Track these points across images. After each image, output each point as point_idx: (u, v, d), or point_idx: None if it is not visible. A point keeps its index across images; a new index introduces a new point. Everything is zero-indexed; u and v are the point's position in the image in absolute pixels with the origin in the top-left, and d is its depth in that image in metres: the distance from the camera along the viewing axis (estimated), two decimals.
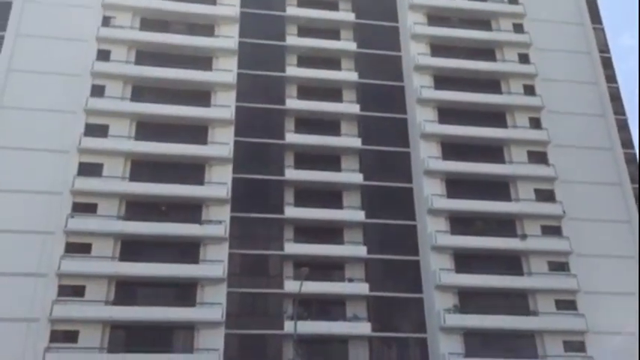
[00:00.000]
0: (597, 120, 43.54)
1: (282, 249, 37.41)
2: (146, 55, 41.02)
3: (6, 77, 38.33)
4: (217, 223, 36.77)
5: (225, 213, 37.22)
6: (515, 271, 38.50)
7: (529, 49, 45.05)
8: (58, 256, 34.19)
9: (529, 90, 43.71)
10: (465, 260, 38.16)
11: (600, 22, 47.50)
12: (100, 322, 33.53)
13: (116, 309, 33.88)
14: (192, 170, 38.29)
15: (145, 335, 34.35)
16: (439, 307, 36.47)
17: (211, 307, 34.79)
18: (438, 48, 44.40)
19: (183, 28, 42.66)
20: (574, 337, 36.61)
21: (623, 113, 44.09)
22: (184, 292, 35.76)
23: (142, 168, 38.08)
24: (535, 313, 37.22)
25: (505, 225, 39.55)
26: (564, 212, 39.47)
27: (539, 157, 41.54)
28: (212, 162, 38.53)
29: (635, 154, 42.78)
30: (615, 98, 44.35)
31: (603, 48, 46.42)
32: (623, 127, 43.41)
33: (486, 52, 45.17)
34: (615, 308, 37.01)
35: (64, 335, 32.97)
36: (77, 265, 34.24)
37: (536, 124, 42.60)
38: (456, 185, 40.15)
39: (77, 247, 34.87)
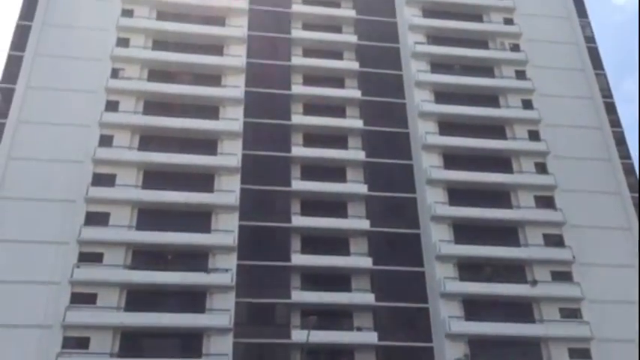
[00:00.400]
0: (603, 164, 43.51)
1: (289, 297, 37.02)
2: (154, 105, 41.60)
3: (16, 128, 38.82)
4: (224, 271, 36.53)
5: (231, 261, 37.01)
6: (527, 317, 37.88)
7: (532, 94, 45.47)
8: (64, 307, 33.92)
9: (534, 135, 43.93)
10: (474, 307, 37.62)
11: (602, 68, 48.04)
12: None
13: None
14: (199, 218, 38.26)
15: None
16: (450, 357, 35.78)
17: (218, 358, 34.20)
18: (442, 94, 44.87)
19: (190, 79, 43.32)
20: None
21: (629, 157, 44.11)
22: (190, 342, 35.21)
23: (149, 216, 38.08)
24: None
25: (514, 270, 39.16)
26: (574, 257, 39.07)
27: (546, 201, 41.39)
28: (218, 210, 38.54)
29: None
30: (620, 142, 44.48)
31: (606, 93, 46.81)
32: (629, 171, 43.35)
33: (490, 98, 45.63)
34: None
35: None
36: (82, 315, 33.92)
37: (542, 168, 42.62)
38: (464, 230, 39.87)
39: (83, 297, 34.59)
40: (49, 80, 40.78)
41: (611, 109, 46.06)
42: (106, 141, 39.41)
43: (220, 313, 35.35)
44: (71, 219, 36.34)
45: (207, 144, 40.93)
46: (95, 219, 36.83)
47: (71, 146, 38.59)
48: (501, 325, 36.61)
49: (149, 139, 40.46)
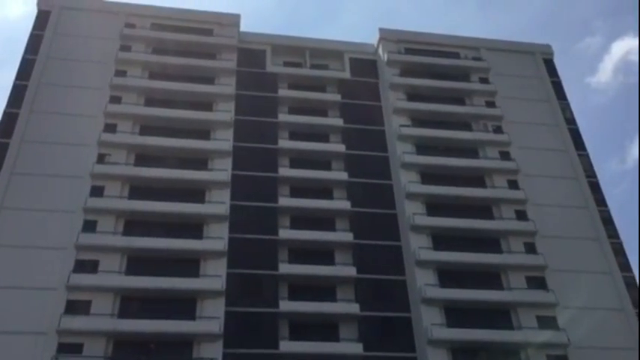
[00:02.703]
0: (591, 243, 43.45)
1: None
2: (139, 190, 41.30)
3: None
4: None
5: (217, 350, 35.68)
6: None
7: (517, 175, 45.91)
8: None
9: (521, 215, 44.00)
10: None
11: (584, 149, 48.87)
12: None
13: None
14: (184, 305, 37.19)
15: None
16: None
17: None
18: (428, 175, 45.15)
19: (176, 163, 43.28)
20: None
21: (617, 237, 44.13)
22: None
23: (132, 303, 36.98)
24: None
25: (508, 355, 38.07)
26: (569, 340, 38.22)
27: (537, 282, 40.95)
28: (204, 295, 37.53)
29: (633, 276, 42.32)
30: (607, 222, 44.63)
31: (589, 173, 47.43)
32: (618, 250, 43.27)
33: (475, 179, 45.99)
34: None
35: None
36: None
37: (531, 248, 42.43)
38: (456, 313, 39.06)
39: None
40: (34, 166, 40.51)
41: (595, 188, 46.51)
42: (90, 226, 38.72)
43: None
44: (51, 308, 35.10)
45: (193, 228, 40.43)
46: (77, 307, 35.64)
47: (55, 231, 37.82)
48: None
49: (134, 224, 39.89)
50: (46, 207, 38.79)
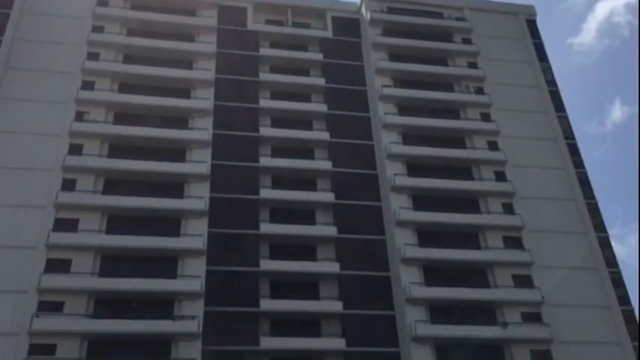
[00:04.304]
0: (568, 204, 44.12)
1: (257, 344, 36.10)
2: (119, 148, 40.91)
3: None
4: (190, 318, 35.49)
5: (198, 308, 36.02)
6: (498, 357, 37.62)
7: (497, 136, 46.19)
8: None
9: (500, 177, 44.42)
10: (445, 352, 37.17)
11: (564, 111, 49.20)
12: None
13: None
14: (165, 264, 37.33)
15: None
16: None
17: None
18: (410, 136, 45.24)
19: (157, 121, 42.84)
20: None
21: (593, 197, 44.86)
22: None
23: (113, 262, 36.99)
24: (504, 325, 37.45)
25: (484, 312, 38.96)
26: (543, 298, 39.16)
27: (514, 242, 41.62)
28: (185, 254, 37.69)
29: (607, 236, 43.19)
30: (584, 183, 45.26)
31: (568, 135, 47.84)
32: (594, 211, 44.03)
33: (456, 140, 46.18)
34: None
35: None
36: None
37: (509, 209, 42.99)
38: (434, 272, 39.72)
39: (42, 348, 33.09)
40: (10, 124, 39.68)
41: (574, 150, 47.02)
42: (69, 185, 38.40)
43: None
44: (31, 266, 35.03)
45: (174, 187, 40.29)
46: (56, 265, 35.58)
47: (32, 190, 37.47)
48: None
49: (113, 183, 39.64)
50: (23, 165, 38.27)
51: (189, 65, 45.83)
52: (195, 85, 44.80)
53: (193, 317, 35.49)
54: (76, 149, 39.87)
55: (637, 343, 38.84)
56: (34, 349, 33.06)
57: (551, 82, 50.84)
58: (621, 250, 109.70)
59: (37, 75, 42.16)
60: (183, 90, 44.60)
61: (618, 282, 41.06)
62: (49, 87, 41.80)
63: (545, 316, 38.93)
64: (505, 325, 38.04)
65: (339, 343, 37.10)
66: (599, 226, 43.32)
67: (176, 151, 41.70)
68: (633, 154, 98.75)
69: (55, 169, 38.66)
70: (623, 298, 40.44)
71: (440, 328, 37.53)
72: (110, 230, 37.75)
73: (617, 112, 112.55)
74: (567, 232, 42.69)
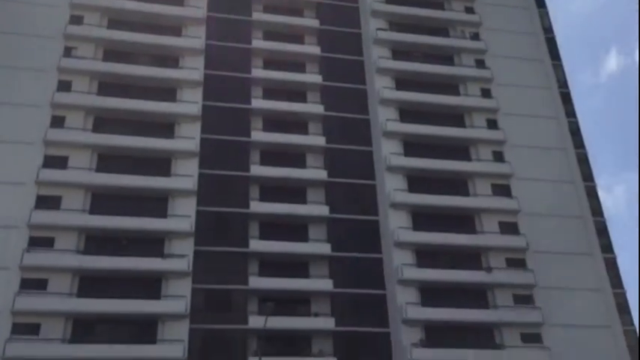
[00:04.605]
0: (558, 153, 44.32)
1: (246, 283, 36.70)
2: (108, 87, 40.39)
3: None
4: (180, 257, 35.94)
5: (188, 247, 36.44)
6: (481, 303, 38.46)
7: (491, 84, 45.91)
8: (13, 293, 32.86)
9: (492, 124, 44.42)
10: (431, 294, 37.95)
11: (559, 59, 48.78)
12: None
13: (72, 347, 32.63)
14: (155, 203, 37.52)
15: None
16: (406, 342, 36.12)
17: (173, 343, 33.75)
18: (403, 82, 44.90)
19: (146, 60, 42.18)
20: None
21: (583, 147, 45.03)
22: (145, 328, 34.66)
23: (103, 201, 37.13)
24: (501, 346, 37.22)
25: (471, 258, 39.66)
26: (527, 245, 39.81)
27: (502, 190, 42.00)
28: (175, 194, 37.83)
29: (594, 186, 43.64)
30: (575, 132, 45.36)
31: (562, 84, 47.60)
32: (583, 160, 44.30)
33: (450, 87, 45.85)
34: (579, 339, 37.31)
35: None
36: (33, 302, 32.93)
37: (499, 157, 43.18)
38: (422, 218, 40.17)
39: (33, 283, 33.54)
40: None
41: (567, 99, 46.90)
42: (58, 122, 38.09)
43: (176, 299, 34.83)
44: (21, 202, 35.11)
45: (165, 127, 40.07)
46: (47, 203, 35.70)
47: (21, 128, 37.14)
48: (456, 311, 37.15)
49: (103, 122, 39.33)
50: (12, 101, 37.80)
51: (180, 2, 44.81)
52: (186, 24, 43.89)
53: (183, 256, 35.91)
54: (64, 86, 39.37)
55: (618, 290, 39.79)
56: (26, 283, 33.53)
57: (548, 30, 50.22)
58: (608, 199, 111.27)
59: (24, 7, 41.13)
60: (174, 28, 43.71)
61: (602, 231, 41.69)
62: (36, 20, 40.85)
63: (530, 262, 39.65)
64: (489, 270, 38.78)
65: (326, 285, 37.74)
66: (587, 176, 43.67)
67: (167, 91, 41.28)
68: (625, 106, 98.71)
69: (44, 106, 38.24)
70: (607, 247, 41.19)
71: (426, 271, 38.17)
72: (100, 169, 37.72)
73: (613, 62, 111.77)
74: (555, 180, 43.02)
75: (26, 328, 32.54)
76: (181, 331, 34.33)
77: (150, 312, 34.43)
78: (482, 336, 37.63)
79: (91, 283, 34.95)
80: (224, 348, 35.50)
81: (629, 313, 39.09)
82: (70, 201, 36.05)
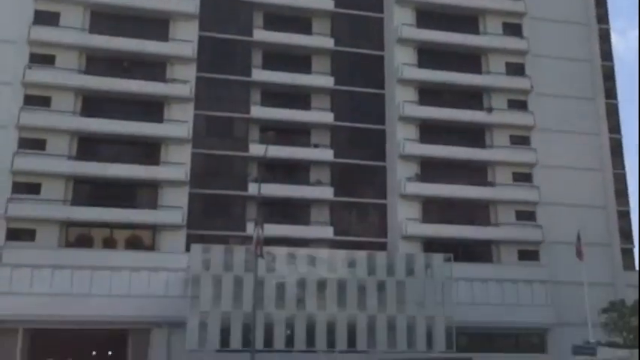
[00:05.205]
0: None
1: (248, 112, 37.04)
2: None
3: None
4: (183, 82, 35.89)
5: (190, 72, 36.26)
6: (478, 143, 38.89)
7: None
8: (18, 108, 33.29)
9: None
10: (430, 132, 38.32)
11: None
12: (63, 177, 33.50)
13: (79, 164, 33.72)
14: (157, 25, 36.67)
15: (109, 191, 34.56)
16: (401, 175, 37.20)
17: (176, 166, 34.83)
18: None
19: None
20: (527, 208, 38.17)
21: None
22: (148, 151, 35.61)
23: (104, 20, 36.25)
24: (492, 184, 38.34)
25: (472, 97, 39.54)
26: (532, 87, 39.48)
27: (513, 28, 40.68)
28: (177, 17, 36.88)
29: (607, 28, 42.31)
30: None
31: None
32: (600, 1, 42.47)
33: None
34: (569, 180, 38.32)
35: (27, 187, 32.89)
36: (37, 118, 33.44)
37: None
38: (428, 56, 39.41)
39: (37, 100, 33.86)
40: None
41: None
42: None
43: (178, 123, 35.34)
44: (19, 17, 34.34)
45: None
46: (46, 19, 34.85)
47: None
48: (453, 149, 37.70)
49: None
50: None
51: None
52: None
53: (185, 81, 35.89)
54: None
55: (615, 135, 40.17)
56: (29, 99, 33.89)
57: None
58: (621, 43, 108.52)
59: None
60: None
61: (609, 76, 41.18)
62: None
63: (531, 104, 39.54)
64: (490, 110, 38.90)
65: (327, 117, 38.14)
66: (602, 17, 42.10)
67: None
68: None
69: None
70: (610, 91, 40.92)
71: (427, 109, 38.27)
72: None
73: None
74: (567, 21, 41.37)
75: (33, 143, 33.34)
76: (183, 154, 35.24)
77: (153, 134, 35.06)
78: (476, 174, 38.60)
79: (94, 104, 35.24)
80: (225, 173, 36.69)
81: (621, 156, 39.75)
82: (70, 19, 35.19)
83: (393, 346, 30.80)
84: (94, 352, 34.26)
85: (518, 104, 39.65)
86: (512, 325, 35.49)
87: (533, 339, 36.61)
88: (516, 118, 39.19)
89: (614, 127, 39.93)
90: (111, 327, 32.51)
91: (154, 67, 36.37)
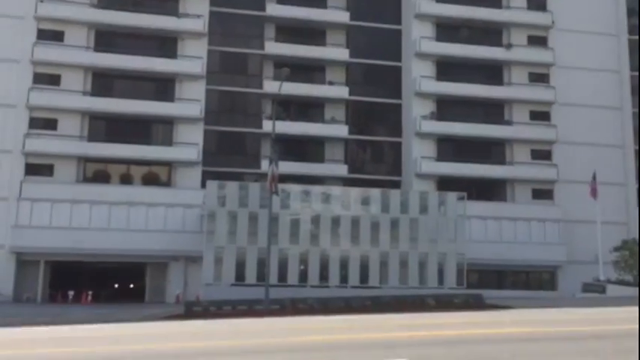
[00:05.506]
0: None
1: (262, 48, 36.58)
2: None
3: None
4: (196, 17, 35.37)
5: (204, 7, 35.68)
6: (496, 81, 38.24)
7: None
8: (31, 43, 33.12)
9: None
10: (446, 69, 37.73)
11: None
12: (78, 113, 33.63)
13: (94, 100, 33.79)
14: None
15: (124, 127, 34.72)
16: (416, 113, 36.88)
17: (190, 102, 34.80)
18: None
19: None
20: (543, 147, 37.92)
21: None
22: (162, 87, 35.52)
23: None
24: (509, 123, 37.95)
25: (491, 33, 38.61)
26: (553, 22, 38.46)
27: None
28: None
29: None
30: None
31: None
32: None
33: None
34: (587, 118, 37.86)
35: (44, 122, 33.13)
36: (51, 52, 33.33)
37: None
38: None
39: (50, 35, 33.66)
40: None
41: None
42: None
43: (192, 59, 35.06)
44: None
45: None
46: None
47: None
48: (469, 86, 37.17)
49: None
50: None
51: None
52: None
53: (199, 16, 35.37)
54: None
55: (636, 72, 39.23)
56: (42, 34, 33.70)
57: None
58: None
59: None
60: None
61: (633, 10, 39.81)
62: None
63: (551, 40, 38.64)
64: (509, 46, 38.03)
65: (342, 54, 37.59)
66: None
67: None
68: None
69: None
70: (634, 28, 39.63)
71: (444, 45, 37.51)
72: None
73: None
74: None
75: (48, 79, 33.36)
76: (198, 91, 35.12)
77: (166, 70, 34.88)
78: (493, 112, 38.17)
79: (107, 40, 35.00)
80: (239, 110, 36.63)
81: None
82: None
83: (405, 283, 31.26)
84: (116, 285, 35.33)
85: (539, 41, 38.73)
86: (523, 263, 35.83)
87: (544, 276, 37.06)
88: (535, 54, 38.32)
89: (635, 64, 38.80)
90: (129, 260, 33.36)
91: (166, 1, 35.82)
